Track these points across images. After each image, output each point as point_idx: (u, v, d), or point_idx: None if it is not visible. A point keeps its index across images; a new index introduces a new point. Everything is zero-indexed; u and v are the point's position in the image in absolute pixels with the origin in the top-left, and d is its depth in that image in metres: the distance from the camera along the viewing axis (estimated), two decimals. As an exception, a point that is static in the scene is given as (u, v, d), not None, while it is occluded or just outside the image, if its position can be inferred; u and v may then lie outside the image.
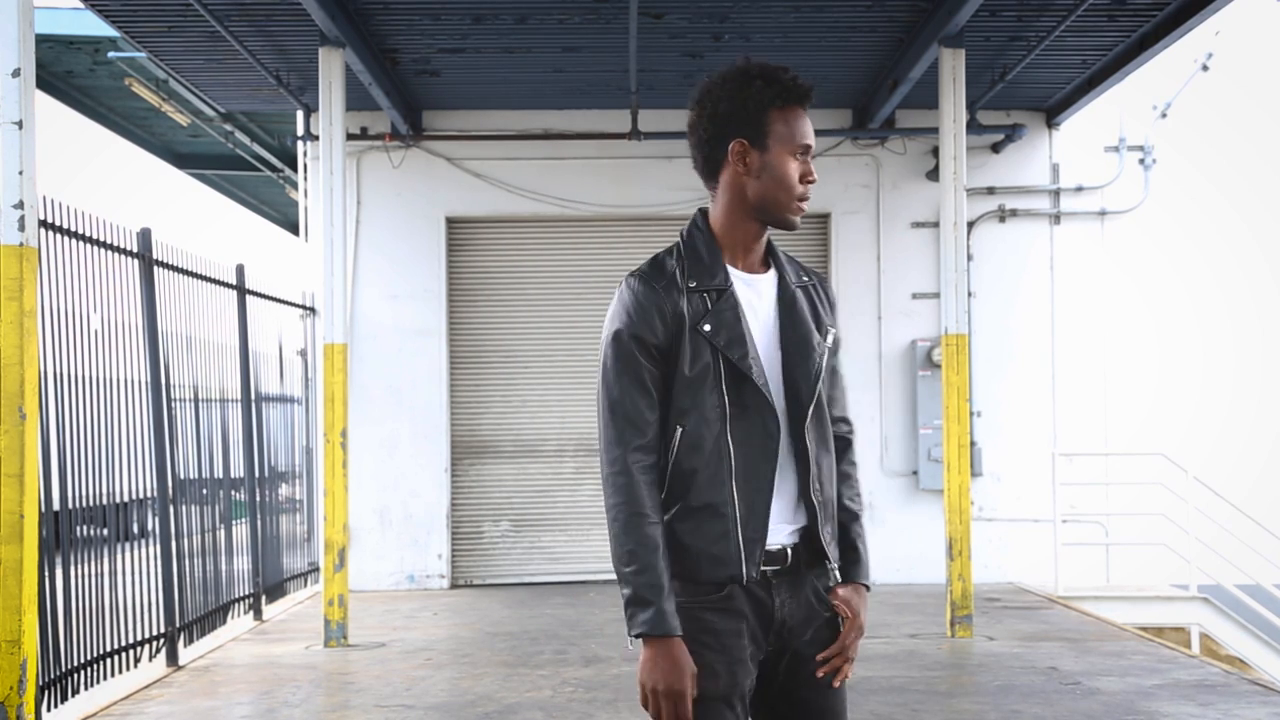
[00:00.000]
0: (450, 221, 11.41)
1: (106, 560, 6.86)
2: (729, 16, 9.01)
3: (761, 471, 2.42)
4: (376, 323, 11.22)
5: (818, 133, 12.92)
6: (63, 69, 11.60)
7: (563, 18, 8.98)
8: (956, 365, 8.36)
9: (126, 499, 7.17)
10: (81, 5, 8.78)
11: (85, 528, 6.62)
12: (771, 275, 2.54)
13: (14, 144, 5.05)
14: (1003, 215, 11.50)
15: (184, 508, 8.10)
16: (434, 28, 9.19)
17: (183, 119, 12.59)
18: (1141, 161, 11.65)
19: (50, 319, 6.13)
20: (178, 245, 8.07)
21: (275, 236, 27.97)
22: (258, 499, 9.69)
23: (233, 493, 9.37)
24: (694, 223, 2.54)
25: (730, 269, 2.48)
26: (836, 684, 2.50)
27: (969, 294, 10.75)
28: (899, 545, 11.20)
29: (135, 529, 7.98)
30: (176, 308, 8.09)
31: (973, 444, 10.98)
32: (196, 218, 51.41)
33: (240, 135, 13.09)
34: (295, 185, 14.50)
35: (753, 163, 2.44)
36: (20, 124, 5.06)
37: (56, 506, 6.22)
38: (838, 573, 2.53)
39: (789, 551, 2.45)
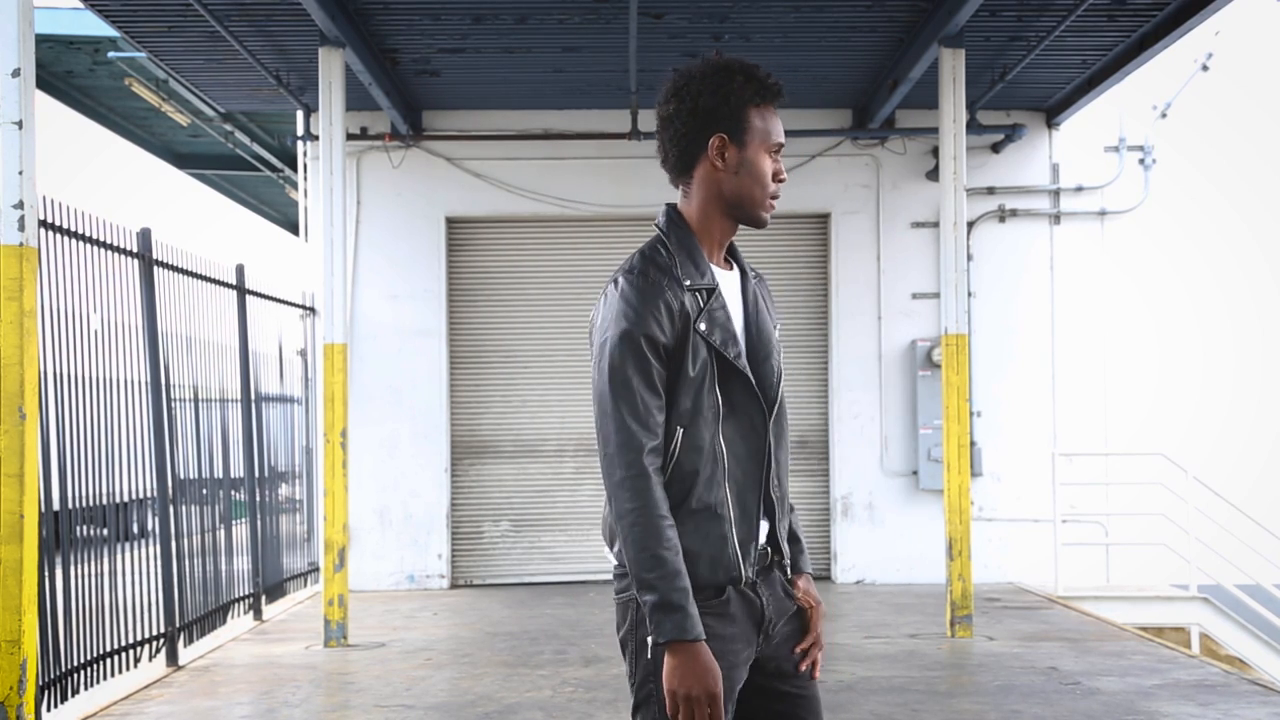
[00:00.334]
0: (450, 221, 11.41)
1: (106, 560, 6.86)
2: (729, 16, 9.01)
3: (750, 470, 2.42)
4: (376, 323, 11.22)
5: (818, 133, 12.82)
6: (63, 69, 11.60)
7: (563, 18, 8.98)
8: (956, 365, 8.37)
9: (126, 499, 7.17)
10: (81, 5, 8.78)
11: (85, 528, 6.62)
12: (736, 273, 2.55)
13: (14, 144, 5.06)
14: (1003, 215, 11.50)
15: (184, 508, 8.10)
16: (434, 28, 9.19)
17: (183, 119, 12.58)
18: (1141, 161, 11.65)
19: (50, 319, 6.13)
20: (178, 245, 8.09)
21: (275, 236, 27.95)
22: (258, 499, 9.68)
23: (233, 493, 9.37)
24: (670, 219, 2.49)
25: (713, 266, 2.47)
26: (817, 675, 2.53)
27: (969, 294, 10.76)
28: (899, 545, 11.22)
29: (135, 529, 7.99)
30: (176, 308, 8.09)
31: (973, 444, 10.99)
32: (196, 218, 51.40)
33: (240, 135, 13.09)
34: (295, 185, 14.50)
35: (731, 158, 2.43)
36: (20, 124, 5.06)
37: (56, 506, 6.22)
38: (789, 565, 2.55)
39: (767, 549, 2.48)
